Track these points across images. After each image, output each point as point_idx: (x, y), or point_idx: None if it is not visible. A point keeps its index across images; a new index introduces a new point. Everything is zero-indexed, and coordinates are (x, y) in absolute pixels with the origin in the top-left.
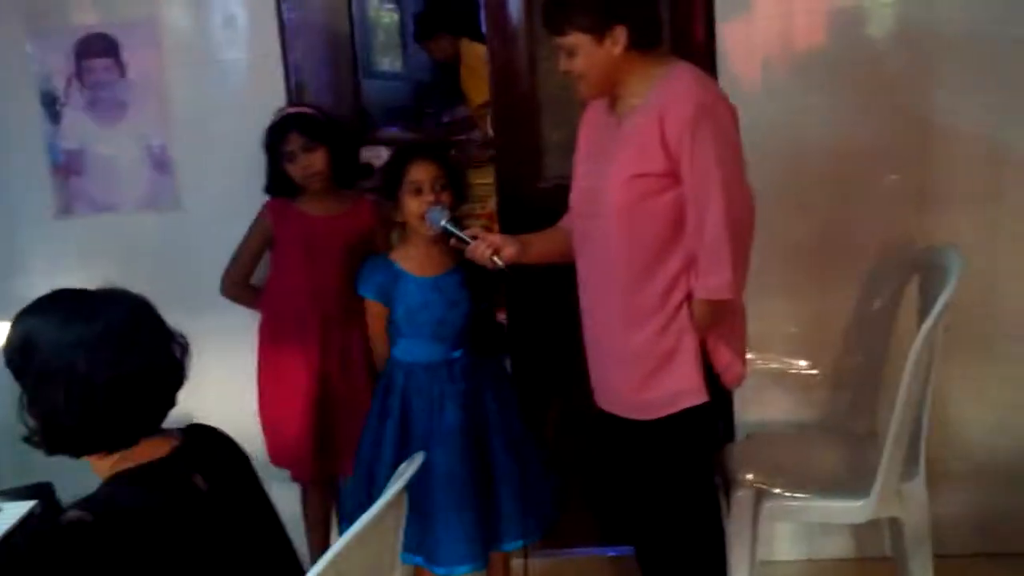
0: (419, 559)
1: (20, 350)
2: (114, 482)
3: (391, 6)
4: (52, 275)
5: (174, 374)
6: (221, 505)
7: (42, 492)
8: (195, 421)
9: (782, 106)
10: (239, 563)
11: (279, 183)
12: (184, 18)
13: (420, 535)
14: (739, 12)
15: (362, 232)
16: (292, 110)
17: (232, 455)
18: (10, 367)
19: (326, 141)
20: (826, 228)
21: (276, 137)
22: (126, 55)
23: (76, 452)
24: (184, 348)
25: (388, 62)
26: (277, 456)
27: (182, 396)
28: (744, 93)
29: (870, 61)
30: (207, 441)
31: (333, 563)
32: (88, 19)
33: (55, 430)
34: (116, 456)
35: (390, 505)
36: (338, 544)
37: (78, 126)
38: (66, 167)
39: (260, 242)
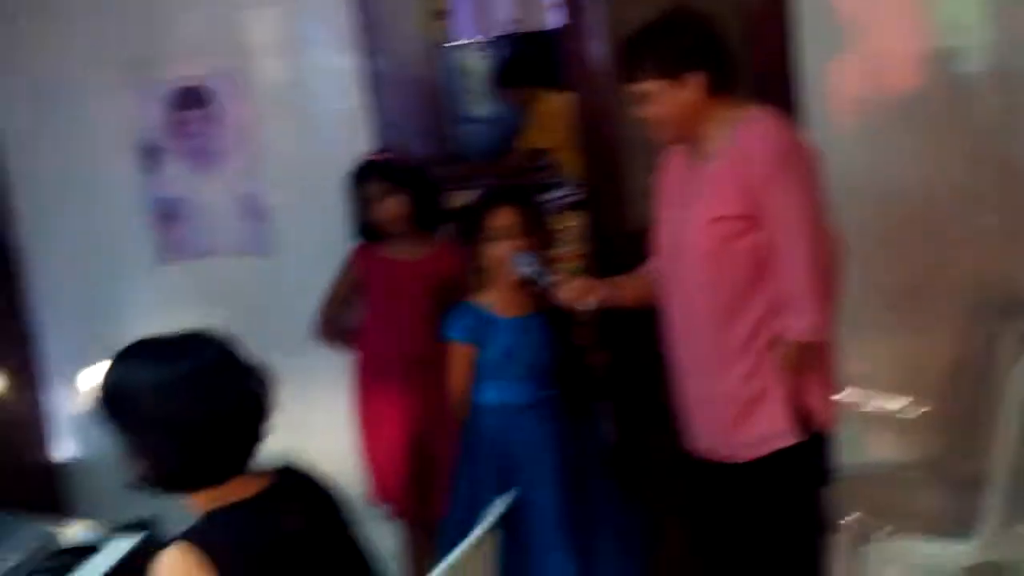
0: None
1: (114, 399)
2: (208, 518)
3: (484, 53)
4: (153, 319)
5: (260, 406)
6: (310, 544)
7: (146, 527)
8: (294, 461)
9: (872, 148)
10: None
11: (363, 228)
12: (277, 69)
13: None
14: (829, 54)
15: (446, 275)
16: (373, 156)
17: (323, 495)
18: (105, 416)
19: (407, 186)
20: (920, 268)
21: (358, 183)
22: (221, 105)
23: (184, 491)
24: (265, 381)
25: (483, 107)
26: (378, 494)
27: (285, 437)
28: (833, 135)
29: (961, 102)
30: (299, 481)
31: None
32: (184, 70)
33: (163, 473)
34: (211, 493)
35: (480, 544)
36: None
37: (176, 175)
38: (165, 215)
39: (347, 286)
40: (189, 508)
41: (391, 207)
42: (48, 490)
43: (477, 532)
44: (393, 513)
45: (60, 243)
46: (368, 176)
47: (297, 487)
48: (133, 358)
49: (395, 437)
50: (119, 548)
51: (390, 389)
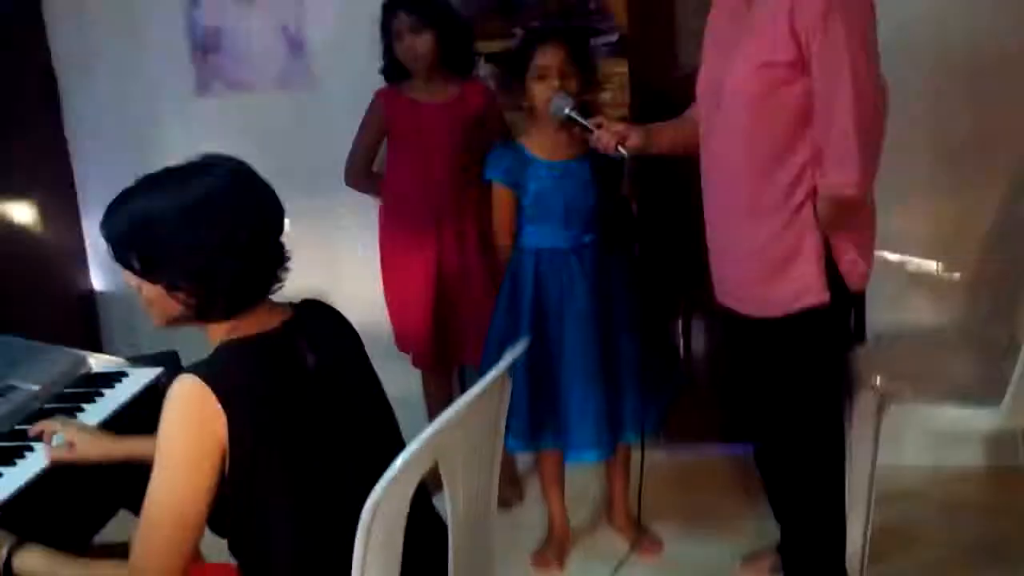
0: (550, 441)
1: (138, 233)
2: (225, 349)
3: None
4: (191, 151)
5: (278, 223)
6: (327, 379)
7: (168, 360)
8: (329, 297)
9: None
10: (341, 437)
11: (388, 66)
12: None
13: (549, 419)
14: None
15: (473, 118)
16: None
17: (341, 329)
18: (131, 252)
19: (434, 24)
20: (970, 125)
21: (387, 15)
22: None
23: (207, 319)
24: (278, 200)
25: None
26: (400, 341)
27: (317, 273)
28: None
29: None
30: (318, 315)
31: (430, 441)
32: None
33: (208, 298)
34: (231, 324)
35: (491, 388)
36: (436, 423)
37: (217, 4)
38: (205, 45)
39: (375, 131)
40: (211, 338)
41: (416, 44)
42: (84, 319)
43: (490, 375)
44: (415, 359)
45: (100, 71)
46: (395, 9)
47: (318, 322)
48: (146, 188)
49: (418, 283)
50: (144, 376)
51: (415, 234)
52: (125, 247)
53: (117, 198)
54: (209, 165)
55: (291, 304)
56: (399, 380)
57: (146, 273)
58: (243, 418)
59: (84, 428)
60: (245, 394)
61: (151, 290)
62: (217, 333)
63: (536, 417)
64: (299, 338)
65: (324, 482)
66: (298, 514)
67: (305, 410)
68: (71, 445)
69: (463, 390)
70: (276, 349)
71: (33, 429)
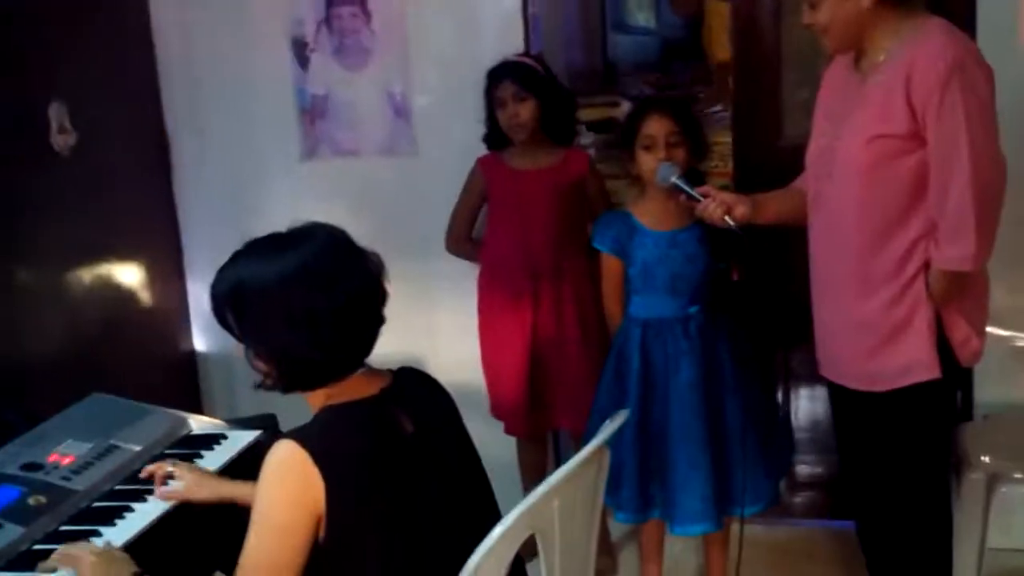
0: (654, 515)
1: (233, 298)
2: (324, 415)
3: None
4: (296, 214)
5: (377, 290)
6: (424, 446)
7: (267, 423)
8: (427, 363)
9: None
10: (437, 504)
11: (492, 133)
12: None
13: (657, 491)
14: None
15: (572, 185)
16: (511, 58)
17: (439, 398)
18: (228, 316)
19: (538, 93)
20: None
21: (491, 83)
22: (372, 2)
23: (310, 386)
24: (380, 265)
25: (642, 17)
26: (495, 407)
27: (415, 338)
28: (1005, 52)
29: None
30: (415, 382)
31: (527, 512)
32: None
33: (290, 368)
34: (331, 390)
35: (590, 460)
36: (533, 494)
37: (325, 71)
38: (312, 111)
39: (475, 197)
40: (311, 405)
41: (519, 111)
42: (185, 380)
43: (590, 446)
44: (508, 426)
45: (210, 136)
46: (500, 77)
47: (415, 389)
48: (248, 256)
49: (515, 348)
50: (242, 439)
51: (510, 302)
52: (223, 309)
53: (228, 260)
54: (308, 233)
55: (389, 371)
56: (496, 447)
57: (242, 337)
58: (341, 483)
59: (192, 469)
60: (343, 460)
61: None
62: (316, 399)
63: (645, 489)
64: (397, 405)
65: (418, 548)
66: None
67: (402, 476)
68: (180, 485)
69: (557, 458)
70: (374, 415)
71: (145, 470)
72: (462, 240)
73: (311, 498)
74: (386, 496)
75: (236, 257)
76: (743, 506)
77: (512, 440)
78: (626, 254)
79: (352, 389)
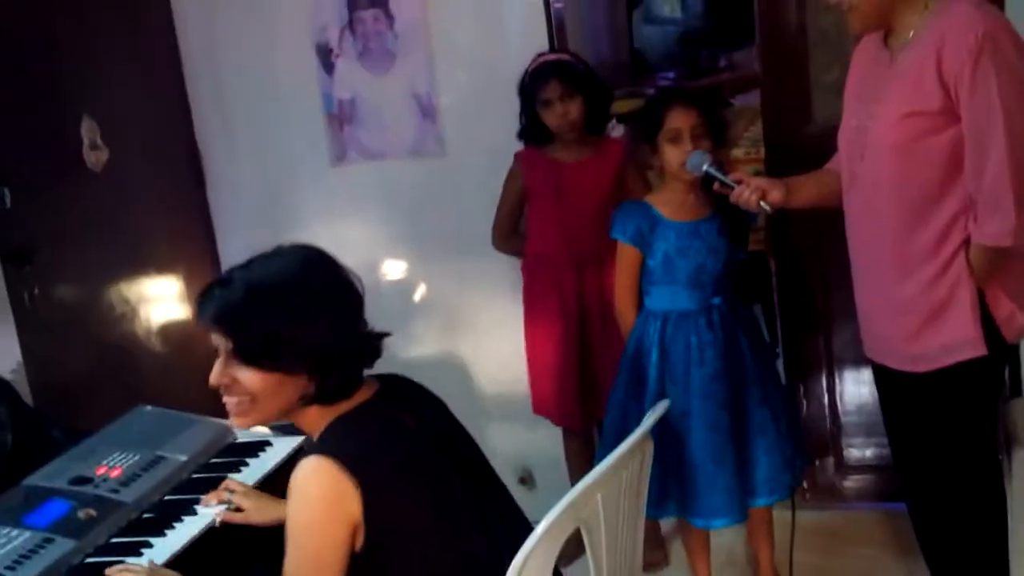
0: (673, 509)
1: (253, 297)
2: (339, 424)
3: None
4: (329, 220)
5: (359, 297)
6: (429, 434)
7: None
8: (465, 361)
9: None
10: (464, 497)
11: (533, 130)
12: None
13: (677, 486)
14: None
15: (612, 174)
16: (552, 57)
17: (427, 397)
18: (258, 320)
19: (584, 90)
20: None
21: (535, 84)
22: (394, 5)
23: (347, 387)
24: (358, 279)
25: (668, 8)
26: (538, 402)
27: (455, 339)
28: None
29: None
30: (404, 384)
31: (572, 504)
32: None
33: (331, 358)
34: (330, 406)
35: (633, 451)
36: (577, 487)
37: (350, 76)
38: (340, 116)
39: (516, 193)
40: (309, 424)
41: (569, 110)
42: None
43: (633, 437)
44: (560, 418)
45: (238, 145)
46: (547, 77)
47: (404, 389)
48: (240, 270)
49: (563, 342)
50: (288, 445)
51: (555, 295)
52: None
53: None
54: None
55: (375, 377)
56: (540, 443)
57: (271, 359)
58: (377, 487)
59: (252, 493)
60: (374, 463)
61: (260, 381)
62: (317, 419)
63: (662, 483)
64: (393, 403)
65: (455, 540)
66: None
67: (428, 471)
68: (240, 509)
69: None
70: (377, 416)
71: (207, 497)
72: (507, 235)
73: (346, 511)
74: (420, 492)
75: (229, 275)
76: (772, 497)
77: (557, 437)
78: (647, 245)
79: (353, 398)
